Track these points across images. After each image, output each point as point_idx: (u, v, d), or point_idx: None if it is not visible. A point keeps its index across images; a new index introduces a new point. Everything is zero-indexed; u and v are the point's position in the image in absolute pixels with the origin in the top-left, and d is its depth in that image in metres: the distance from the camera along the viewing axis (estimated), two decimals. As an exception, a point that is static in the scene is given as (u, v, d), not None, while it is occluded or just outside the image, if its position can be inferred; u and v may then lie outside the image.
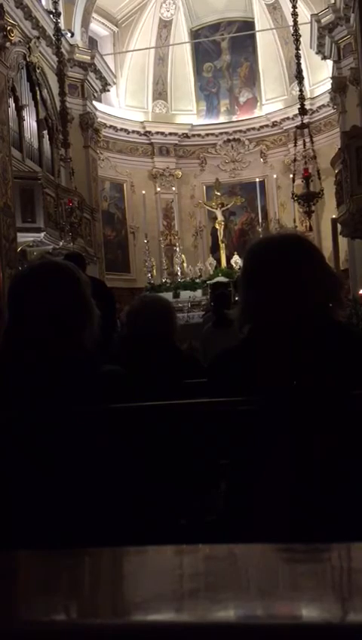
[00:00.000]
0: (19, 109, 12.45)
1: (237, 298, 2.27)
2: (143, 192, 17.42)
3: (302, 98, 12.45)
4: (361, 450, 1.50)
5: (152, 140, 18.98)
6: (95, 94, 16.66)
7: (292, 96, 16.67)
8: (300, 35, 12.42)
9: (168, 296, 11.65)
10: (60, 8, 12.86)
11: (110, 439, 1.59)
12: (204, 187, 18.88)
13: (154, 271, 16.44)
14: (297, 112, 13.16)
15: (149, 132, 18.91)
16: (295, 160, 13.96)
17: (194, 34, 19.40)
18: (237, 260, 14.88)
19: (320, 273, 1.72)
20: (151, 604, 0.58)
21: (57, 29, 12.28)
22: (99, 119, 16.81)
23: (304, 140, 13.15)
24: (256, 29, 18.35)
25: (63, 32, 13.53)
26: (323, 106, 17.06)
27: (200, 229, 18.84)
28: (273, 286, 1.67)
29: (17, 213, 11.07)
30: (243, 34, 18.55)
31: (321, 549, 0.73)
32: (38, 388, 1.61)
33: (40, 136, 13.44)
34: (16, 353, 1.72)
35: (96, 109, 16.65)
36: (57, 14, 12.23)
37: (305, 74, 13.39)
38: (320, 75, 17.32)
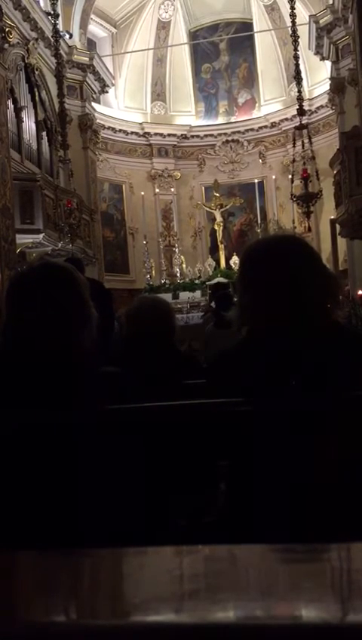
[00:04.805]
0: (17, 110, 12.45)
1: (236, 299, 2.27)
2: (142, 193, 17.43)
3: (300, 99, 12.44)
4: (361, 451, 1.50)
5: (151, 141, 18.98)
6: (94, 96, 16.67)
7: (291, 97, 16.67)
8: (298, 36, 12.42)
9: (167, 297, 11.67)
10: (59, 10, 12.84)
11: (109, 440, 1.59)
12: (203, 188, 18.89)
13: (154, 272, 16.47)
14: (296, 112, 13.13)
15: (148, 133, 18.92)
16: (294, 161, 13.95)
17: (193, 35, 19.40)
18: (236, 261, 14.87)
19: (318, 273, 1.72)
20: (150, 605, 0.58)
21: (56, 31, 12.27)
22: (97, 120, 16.81)
23: (302, 141, 13.14)
24: (255, 30, 18.36)
25: (62, 34, 13.54)
26: (322, 106, 17.06)
27: (199, 230, 18.84)
28: (270, 287, 1.67)
29: (16, 215, 11.07)
30: (241, 35, 18.55)
31: (321, 549, 0.73)
32: (37, 389, 1.61)
33: (39, 138, 13.44)
34: (15, 354, 1.72)
35: (94, 110, 16.66)
36: (56, 16, 12.21)
37: (303, 75, 13.36)
38: (318, 76, 17.32)
